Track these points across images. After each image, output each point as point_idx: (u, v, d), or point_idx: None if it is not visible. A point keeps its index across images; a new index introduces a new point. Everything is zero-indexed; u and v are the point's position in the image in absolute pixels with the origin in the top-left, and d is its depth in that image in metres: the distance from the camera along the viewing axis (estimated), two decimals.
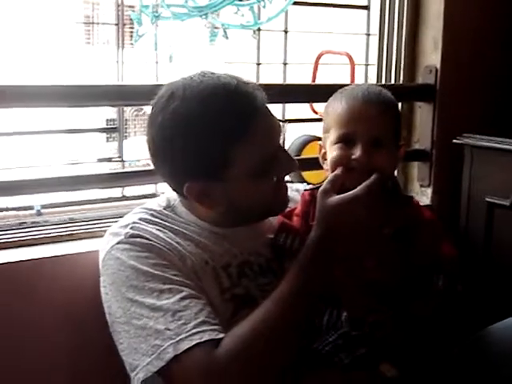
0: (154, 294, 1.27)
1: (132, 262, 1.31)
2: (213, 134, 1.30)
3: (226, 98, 1.31)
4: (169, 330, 1.24)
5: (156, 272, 1.29)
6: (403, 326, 1.39)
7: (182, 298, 1.26)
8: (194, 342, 1.21)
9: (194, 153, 1.31)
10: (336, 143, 1.44)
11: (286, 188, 1.45)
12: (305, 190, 1.53)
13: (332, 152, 1.44)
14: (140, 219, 1.39)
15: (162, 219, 1.41)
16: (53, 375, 1.53)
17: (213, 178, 1.34)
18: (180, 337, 1.22)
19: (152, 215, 1.41)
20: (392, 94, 1.51)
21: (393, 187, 1.48)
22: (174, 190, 1.41)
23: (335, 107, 1.46)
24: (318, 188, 1.45)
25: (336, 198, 1.33)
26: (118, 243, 1.34)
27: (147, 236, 1.34)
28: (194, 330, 1.23)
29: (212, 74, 1.36)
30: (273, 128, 1.39)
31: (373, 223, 1.32)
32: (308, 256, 1.31)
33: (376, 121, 1.44)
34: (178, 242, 1.37)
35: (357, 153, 1.40)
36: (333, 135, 1.45)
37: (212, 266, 1.37)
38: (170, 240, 1.36)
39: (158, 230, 1.37)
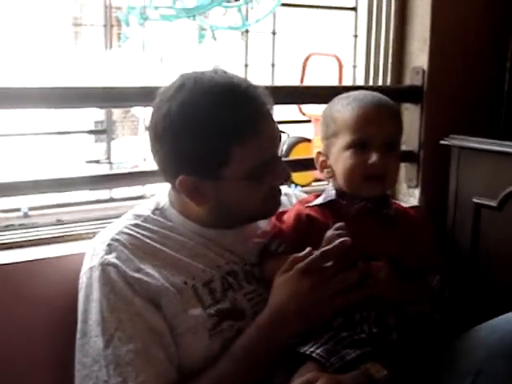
0: (105, 336, 1.29)
1: (96, 294, 1.33)
2: (216, 131, 1.31)
3: (235, 99, 1.32)
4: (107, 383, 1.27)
5: (112, 314, 1.31)
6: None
7: (128, 351, 1.28)
8: None
9: (193, 147, 1.32)
10: (348, 149, 1.44)
11: (279, 195, 1.47)
12: (307, 207, 1.51)
13: (344, 159, 1.45)
14: (122, 233, 1.39)
15: (148, 226, 1.42)
16: (37, 374, 1.53)
17: (207, 174, 1.35)
18: None
19: (137, 225, 1.41)
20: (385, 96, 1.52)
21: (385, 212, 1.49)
22: (166, 180, 1.42)
23: (344, 112, 1.46)
24: (316, 206, 1.48)
25: (283, 275, 1.35)
26: (92, 268, 1.36)
27: (118, 263, 1.34)
28: None
29: (224, 72, 1.37)
30: (274, 135, 1.40)
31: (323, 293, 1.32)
32: (265, 326, 1.34)
33: (389, 124, 1.45)
34: (154, 264, 1.36)
35: (373, 158, 1.42)
36: (343, 140, 1.45)
37: (191, 285, 1.37)
38: (143, 265, 1.35)
39: (137, 248, 1.37)
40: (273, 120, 1.40)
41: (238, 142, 1.32)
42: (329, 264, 1.33)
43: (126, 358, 1.27)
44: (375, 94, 1.50)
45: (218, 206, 1.40)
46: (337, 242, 1.32)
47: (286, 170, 1.43)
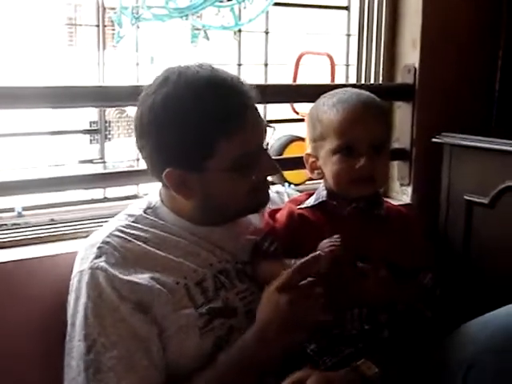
0: (88, 341, 1.29)
1: (84, 298, 1.32)
2: (199, 123, 1.31)
3: (219, 91, 1.32)
4: None
5: (95, 319, 1.30)
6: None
7: (111, 357, 1.27)
8: None
9: (178, 140, 1.32)
10: (335, 153, 1.43)
11: (268, 189, 1.46)
12: (299, 208, 1.50)
13: (332, 163, 1.43)
14: (113, 235, 1.38)
15: (140, 227, 1.41)
16: (28, 373, 1.54)
17: (192, 167, 1.35)
18: None
19: (129, 226, 1.41)
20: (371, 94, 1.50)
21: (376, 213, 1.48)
22: (152, 173, 1.41)
23: (329, 115, 1.44)
24: (308, 208, 1.47)
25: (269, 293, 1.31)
26: (82, 271, 1.35)
27: (107, 267, 1.33)
28: None
29: (210, 66, 1.37)
30: (259, 128, 1.40)
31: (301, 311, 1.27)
32: (252, 338, 1.31)
33: (375, 126, 1.43)
34: (145, 266, 1.35)
35: (360, 162, 1.40)
36: (330, 144, 1.43)
37: (183, 284, 1.36)
38: (134, 268, 1.34)
39: (127, 250, 1.36)
40: (258, 112, 1.39)
41: (223, 135, 1.32)
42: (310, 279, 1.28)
43: (108, 364, 1.27)
44: (360, 92, 1.48)
45: (204, 200, 1.39)
46: (310, 256, 1.28)
47: (271, 162, 1.42)
